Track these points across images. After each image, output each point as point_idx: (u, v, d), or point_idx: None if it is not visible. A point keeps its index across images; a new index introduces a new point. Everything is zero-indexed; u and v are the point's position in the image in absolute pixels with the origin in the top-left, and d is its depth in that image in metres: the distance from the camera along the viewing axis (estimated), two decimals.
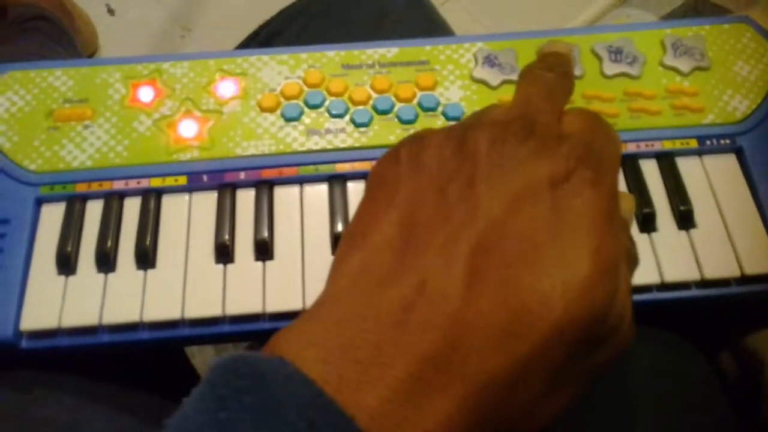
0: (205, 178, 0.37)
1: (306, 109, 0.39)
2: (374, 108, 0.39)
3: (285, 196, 0.37)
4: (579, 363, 0.20)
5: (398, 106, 0.39)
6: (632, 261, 0.24)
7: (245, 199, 0.37)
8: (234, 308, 0.33)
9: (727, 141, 0.38)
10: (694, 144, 0.38)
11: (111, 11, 1.06)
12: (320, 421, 0.17)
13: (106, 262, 0.35)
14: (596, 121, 0.24)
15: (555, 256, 0.20)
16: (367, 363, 0.18)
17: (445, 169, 0.22)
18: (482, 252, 0.20)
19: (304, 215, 0.36)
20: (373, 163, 0.36)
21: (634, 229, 0.36)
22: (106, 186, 0.37)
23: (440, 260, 0.20)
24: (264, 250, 0.35)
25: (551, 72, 0.26)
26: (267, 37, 0.53)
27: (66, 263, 0.34)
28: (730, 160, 0.38)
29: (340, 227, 0.36)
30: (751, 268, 0.34)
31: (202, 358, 0.63)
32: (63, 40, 0.83)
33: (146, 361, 0.41)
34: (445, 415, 0.18)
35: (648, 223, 0.36)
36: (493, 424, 0.19)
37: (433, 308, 0.19)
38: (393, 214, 0.22)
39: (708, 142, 0.38)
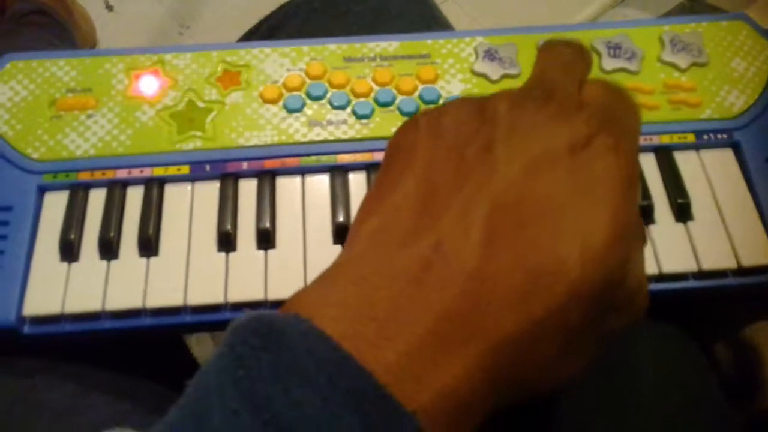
0: (207, 167, 0.37)
1: (308, 101, 0.39)
2: (376, 100, 0.39)
3: (287, 186, 0.37)
4: (595, 326, 0.21)
5: (400, 98, 0.39)
6: (642, 235, 0.24)
7: (247, 188, 0.37)
8: (236, 296, 0.34)
9: (724, 136, 0.38)
10: (691, 138, 0.38)
11: (109, 7, 1.06)
12: (338, 376, 0.17)
13: (108, 249, 0.35)
14: (617, 90, 0.24)
15: (572, 220, 0.20)
16: (385, 320, 0.18)
17: (464, 133, 0.22)
18: (500, 213, 0.20)
19: (306, 205, 0.37)
20: (375, 154, 0.37)
21: None
22: (109, 174, 0.37)
23: (458, 220, 0.20)
24: (266, 239, 0.35)
25: (568, 47, 0.26)
26: (268, 31, 0.53)
27: (69, 250, 0.35)
28: (727, 155, 0.38)
29: (341, 217, 0.36)
30: (748, 260, 0.35)
31: (201, 350, 0.64)
32: (61, 35, 0.83)
33: (146, 349, 0.41)
34: (462, 370, 0.18)
35: (646, 216, 0.36)
36: (509, 380, 0.19)
37: (450, 267, 0.19)
38: (411, 178, 0.22)
39: (705, 137, 0.38)
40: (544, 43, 0.26)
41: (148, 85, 0.39)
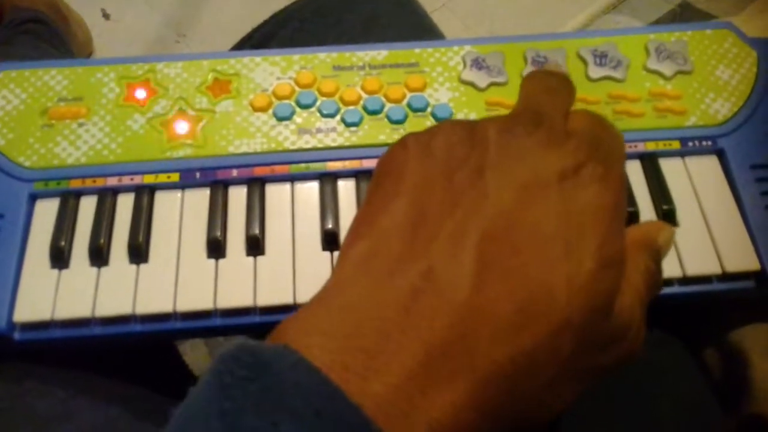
0: (197, 175, 0.37)
1: (297, 109, 0.39)
2: (365, 108, 0.39)
3: (276, 194, 0.38)
4: (586, 359, 0.20)
5: (388, 106, 0.39)
6: (654, 285, 0.24)
7: (237, 196, 0.37)
8: (225, 302, 0.34)
9: (709, 143, 0.39)
10: (676, 145, 0.39)
11: (106, 16, 1.07)
12: (326, 410, 0.16)
13: (99, 256, 0.35)
14: (601, 119, 0.24)
15: (561, 249, 0.20)
16: (374, 351, 0.18)
17: (454, 157, 0.22)
18: (491, 240, 0.20)
19: (295, 212, 0.37)
20: (364, 161, 0.38)
21: None
22: (100, 182, 0.37)
23: (449, 248, 0.20)
24: (255, 246, 0.36)
25: (552, 76, 0.26)
26: (260, 40, 0.53)
27: (59, 257, 0.35)
28: (711, 161, 0.39)
29: (330, 224, 0.36)
30: (732, 266, 0.35)
31: (195, 356, 0.64)
32: (58, 43, 0.83)
33: (137, 355, 0.41)
34: (451, 403, 0.18)
35: (631, 222, 0.36)
36: (499, 412, 0.19)
37: (441, 295, 0.19)
38: (400, 202, 0.21)
39: (690, 144, 0.39)
40: (529, 72, 0.27)
41: (139, 94, 0.40)
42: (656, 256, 0.24)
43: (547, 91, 0.25)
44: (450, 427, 0.18)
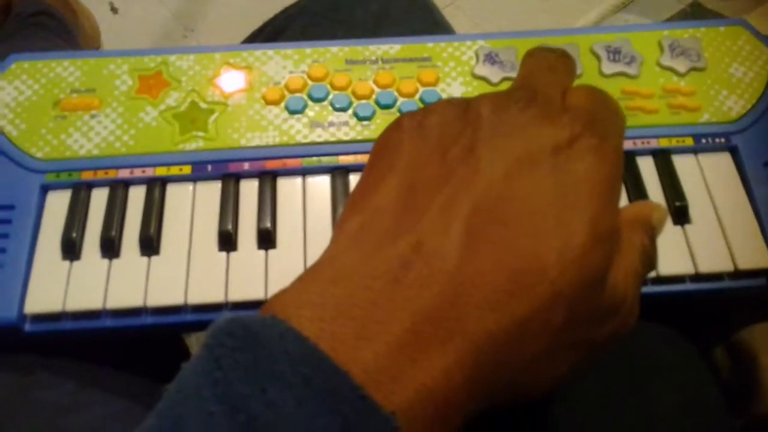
0: (209, 168, 0.37)
1: (310, 103, 0.39)
2: (377, 102, 0.39)
3: (288, 187, 0.37)
4: (579, 331, 0.21)
5: (401, 100, 0.39)
6: (648, 263, 0.24)
7: (249, 189, 0.37)
8: (236, 295, 0.34)
9: (722, 140, 0.39)
10: (689, 142, 0.39)
11: (114, 9, 1.07)
12: (315, 377, 0.17)
13: (110, 248, 0.35)
14: (600, 94, 0.24)
15: (552, 222, 0.20)
16: (363, 320, 0.18)
17: (447, 134, 0.22)
18: (481, 213, 0.20)
19: (307, 206, 0.37)
20: None
21: None
22: (112, 174, 0.37)
23: (439, 220, 0.20)
24: (267, 239, 0.36)
25: (553, 52, 0.26)
26: (270, 34, 0.53)
27: (71, 249, 0.35)
28: (724, 159, 0.39)
29: None
30: (744, 263, 0.35)
31: None
32: (66, 36, 0.83)
33: (144, 349, 0.41)
34: (441, 370, 0.18)
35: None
36: (490, 380, 0.19)
37: (429, 266, 0.19)
38: (394, 178, 0.22)
39: (703, 141, 0.39)
40: (530, 50, 0.27)
41: (152, 86, 0.40)
42: (651, 233, 0.24)
43: (545, 68, 0.25)
44: (438, 393, 0.18)
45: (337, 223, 0.23)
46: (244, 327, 0.18)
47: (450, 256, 0.19)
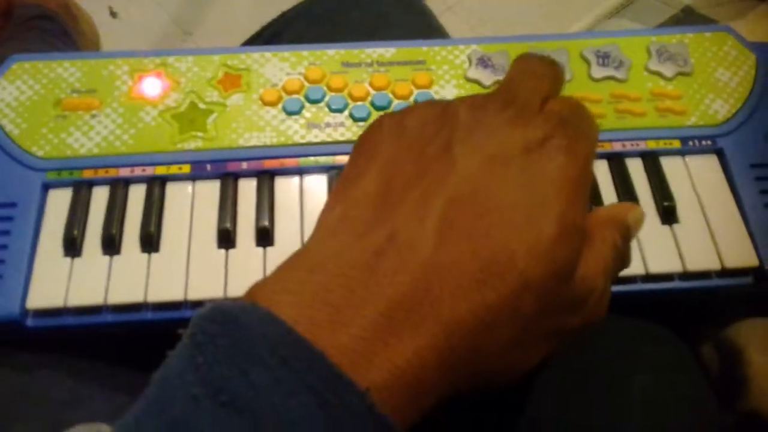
0: (208, 167, 0.38)
1: (307, 104, 0.40)
2: (372, 104, 0.40)
3: (285, 186, 0.38)
4: (549, 320, 0.22)
5: (396, 102, 0.40)
6: (620, 260, 0.25)
7: (247, 188, 0.38)
8: (235, 291, 0.35)
9: (709, 142, 0.40)
10: (677, 144, 0.40)
11: (113, 14, 1.07)
12: (292, 358, 0.18)
13: (111, 245, 0.36)
14: (577, 104, 0.25)
15: (522, 216, 0.21)
16: (339, 305, 0.19)
17: (425, 133, 0.23)
18: (455, 205, 0.21)
19: (304, 204, 0.38)
20: None
21: None
22: (112, 173, 0.38)
23: (414, 212, 0.21)
24: (265, 237, 0.36)
25: (541, 60, 0.27)
26: (268, 38, 0.54)
27: (72, 246, 0.36)
28: (711, 160, 0.40)
29: None
30: (731, 262, 0.36)
31: None
32: (66, 40, 0.84)
33: (143, 345, 0.42)
34: (413, 352, 0.19)
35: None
36: (462, 366, 0.20)
37: (403, 255, 0.20)
38: (372, 175, 0.23)
39: (690, 143, 0.40)
40: (520, 55, 0.28)
41: (151, 86, 0.40)
42: (625, 232, 0.25)
43: (529, 75, 0.26)
44: (411, 374, 0.19)
45: (320, 214, 0.24)
46: (224, 313, 0.19)
47: (423, 246, 0.20)
